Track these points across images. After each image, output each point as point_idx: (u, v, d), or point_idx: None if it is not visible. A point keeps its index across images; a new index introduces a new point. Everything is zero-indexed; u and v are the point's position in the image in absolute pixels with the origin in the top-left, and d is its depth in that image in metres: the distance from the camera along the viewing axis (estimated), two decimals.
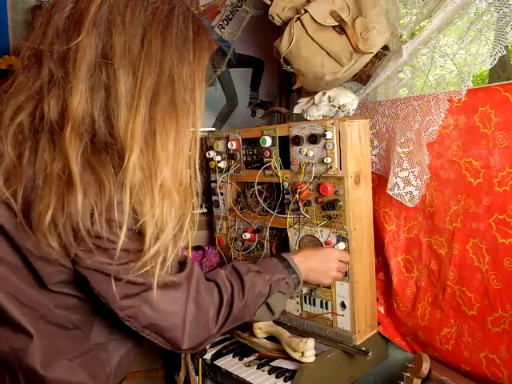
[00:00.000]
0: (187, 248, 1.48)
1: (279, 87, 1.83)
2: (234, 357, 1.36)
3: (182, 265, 0.89)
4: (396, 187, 1.30)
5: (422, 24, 1.27)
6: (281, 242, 1.46)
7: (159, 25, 0.76)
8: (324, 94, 1.31)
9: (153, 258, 0.77)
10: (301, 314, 1.39)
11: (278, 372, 1.24)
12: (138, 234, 0.76)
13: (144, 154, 0.74)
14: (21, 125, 0.75)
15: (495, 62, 1.10)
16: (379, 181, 1.41)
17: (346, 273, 1.26)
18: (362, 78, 1.37)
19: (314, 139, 1.26)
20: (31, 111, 0.75)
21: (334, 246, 1.26)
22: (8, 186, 0.73)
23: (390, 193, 1.31)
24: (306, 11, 1.28)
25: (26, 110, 0.75)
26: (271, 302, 1.08)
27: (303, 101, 1.39)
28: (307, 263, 1.17)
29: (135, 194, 0.73)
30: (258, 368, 1.28)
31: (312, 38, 1.28)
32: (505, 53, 1.08)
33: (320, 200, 1.28)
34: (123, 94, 0.73)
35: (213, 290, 0.94)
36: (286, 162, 1.36)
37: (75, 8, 0.75)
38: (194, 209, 0.82)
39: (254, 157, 1.49)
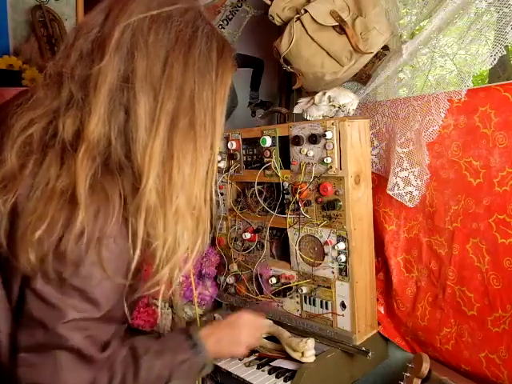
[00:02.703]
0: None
1: (279, 87, 1.82)
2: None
3: (105, 344, 0.80)
4: (396, 187, 1.30)
5: (422, 24, 1.27)
6: (281, 242, 1.46)
7: (182, 48, 0.76)
8: (324, 93, 1.31)
9: (159, 281, 0.77)
10: (301, 314, 1.39)
11: (278, 372, 1.24)
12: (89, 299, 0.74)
13: (160, 178, 0.74)
14: (31, 137, 0.75)
15: (495, 61, 1.10)
16: (379, 181, 1.41)
17: (346, 272, 1.26)
18: (362, 77, 1.37)
19: (314, 139, 1.26)
20: (44, 126, 0.76)
21: (334, 246, 1.26)
22: (2, 192, 0.73)
23: (390, 193, 1.31)
24: (305, 11, 1.28)
25: (38, 124, 0.75)
26: None
27: (303, 101, 1.39)
28: (215, 336, 1.02)
29: (150, 218, 0.73)
30: (258, 368, 1.28)
31: (312, 38, 1.28)
32: (505, 53, 1.08)
33: (320, 200, 1.28)
34: (143, 118, 0.73)
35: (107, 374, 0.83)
36: (286, 162, 1.36)
37: (100, 32, 0.75)
38: (205, 233, 0.82)
39: (254, 157, 1.49)
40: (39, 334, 0.73)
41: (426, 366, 1.18)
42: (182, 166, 0.75)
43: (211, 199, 0.83)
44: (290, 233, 1.38)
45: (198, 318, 1.40)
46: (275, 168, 1.38)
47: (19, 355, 0.74)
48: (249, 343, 1.09)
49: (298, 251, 1.35)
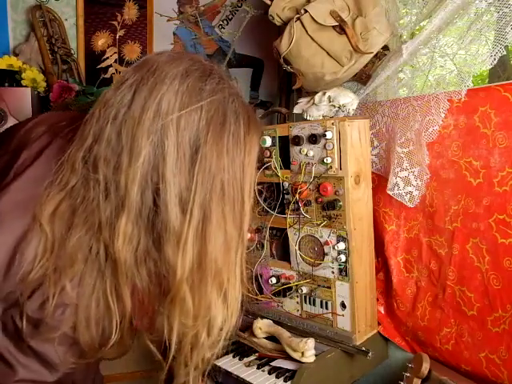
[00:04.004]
0: None
1: (279, 87, 1.82)
2: (234, 357, 1.35)
3: None
4: (396, 187, 1.30)
5: (422, 24, 1.27)
6: (281, 242, 1.46)
7: (214, 137, 0.72)
8: (324, 93, 1.31)
9: None
10: (301, 314, 1.39)
11: (278, 372, 1.24)
12: None
13: (194, 270, 0.73)
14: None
15: (495, 62, 1.10)
16: (379, 181, 1.41)
17: (346, 272, 1.27)
18: (362, 77, 1.37)
19: (314, 139, 1.26)
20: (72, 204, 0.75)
21: (334, 246, 1.26)
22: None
23: (390, 193, 1.31)
24: (306, 11, 1.28)
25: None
26: None
27: (303, 101, 1.39)
28: None
29: (184, 309, 0.73)
30: (258, 368, 1.28)
31: (312, 38, 1.28)
32: (505, 53, 1.08)
33: (320, 200, 1.28)
34: (174, 210, 0.70)
35: None
36: (286, 162, 1.36)
37: (127, 114, 0.71)
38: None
39: None
40: None
41: (426, 366, 1.19)
42: (215, 256, 0.73)
43: (242, 276, 0.80)
44: (290, 233, 1.38)
45: None
46: (275, 168, 1.38)
47: None
48: None
49: (297, 251, 1.35)
